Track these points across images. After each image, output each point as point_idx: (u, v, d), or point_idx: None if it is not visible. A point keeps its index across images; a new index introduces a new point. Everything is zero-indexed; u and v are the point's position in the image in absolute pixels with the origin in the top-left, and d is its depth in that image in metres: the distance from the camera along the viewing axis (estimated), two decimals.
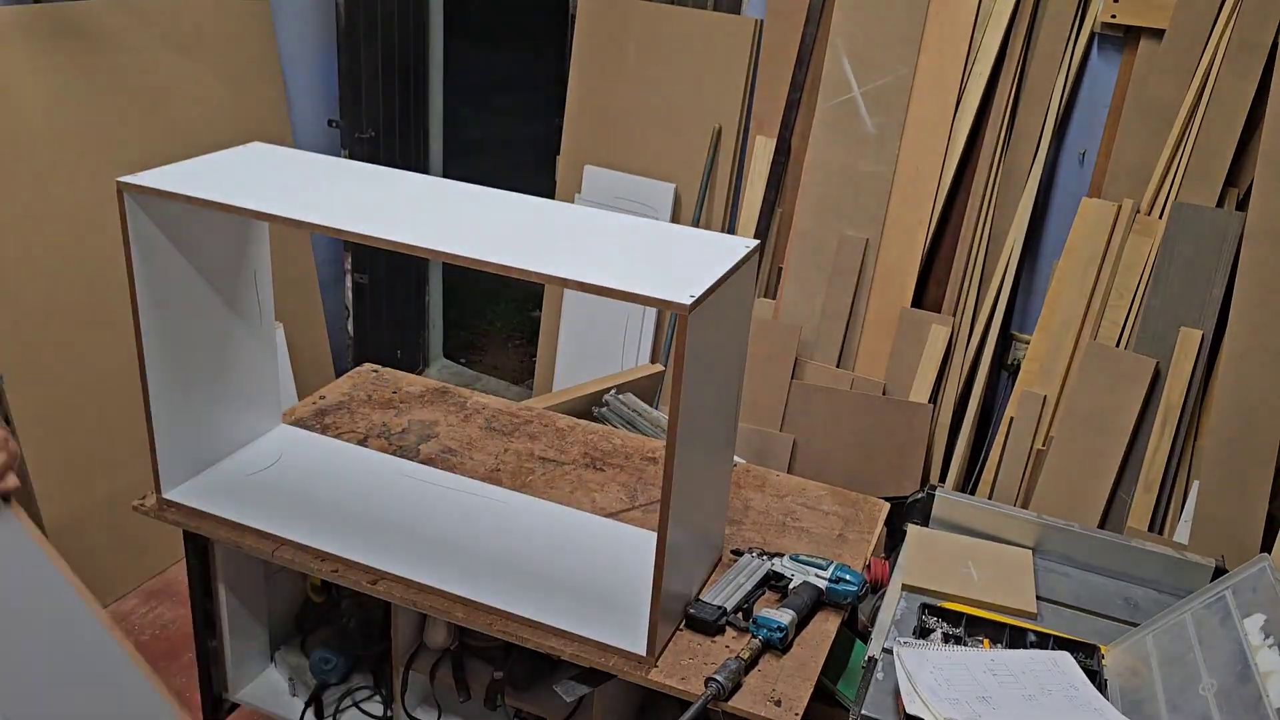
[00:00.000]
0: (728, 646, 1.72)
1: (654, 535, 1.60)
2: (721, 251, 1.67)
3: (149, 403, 1.93)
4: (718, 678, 1.60)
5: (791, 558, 1.86)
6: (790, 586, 1.82)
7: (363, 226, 1.65)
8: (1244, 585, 1.69)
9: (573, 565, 1.68)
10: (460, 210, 1.81)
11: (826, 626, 1.79)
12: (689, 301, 1.45)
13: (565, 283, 1.51)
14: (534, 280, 1.52)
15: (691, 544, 1.75)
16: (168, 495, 2.01)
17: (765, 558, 1.89)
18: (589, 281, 1.50)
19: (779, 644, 1.69)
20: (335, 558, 1.89)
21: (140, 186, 1.77)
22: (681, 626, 1.76)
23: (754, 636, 1.71)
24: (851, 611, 1.92)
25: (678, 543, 1.63)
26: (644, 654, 1.67)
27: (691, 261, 1.61)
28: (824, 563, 1.84)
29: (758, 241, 1.74)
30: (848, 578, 1.81)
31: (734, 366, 1.77)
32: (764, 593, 1.84)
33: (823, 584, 1.81)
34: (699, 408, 1.58)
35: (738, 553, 1.92)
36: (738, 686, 1.62)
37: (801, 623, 1.75)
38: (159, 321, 1.87)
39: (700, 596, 1.79)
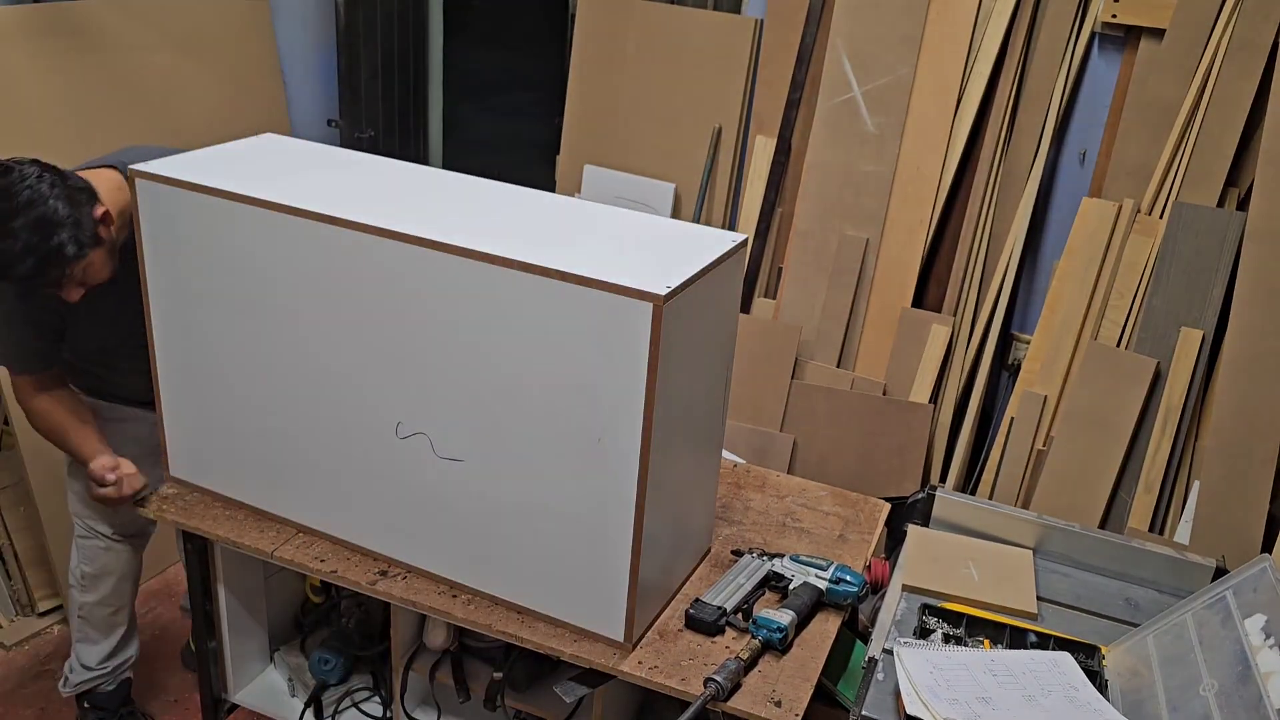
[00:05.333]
0: (727, 647, 1.72)
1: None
2: (705, 244, 1.67)
3: (158, 387, 2.00)
4: (717, 678, 1.60)
5: (792, 558, 1.86)
6: (790, 587, 1.81)
7: (351, 214, 1.67)
8: (1245, 586, 1.69)
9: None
10: (454, 200, 1.82)
11: (826, 627, 1.79)
12: (664, 292, 1.45)
13: (535, 269, 1.51)
14: (503, 266, 1.53)
15: (672, 535, 1.75)
16: (175, 474, 2.08)
17: (765, 558, 1.88)
18: (559, 269, 1.50)
19: (779, 644, 1.69)
20: (328, 537, 1.91)
21: (151, 174, 1.82)
22: (682, 627, 1.76)
23: (754, 637, 1.70)
24: (852, 612, 1.92)
25: (656, 533, 1.64)
26: (621, 639, 1.68)
27: (674, 253, 1.61)
28: (824, 563, 1.84)
29: (744, 236, 1.74)
30: (848, 578, 1.81)
31: (719, 359, 1.77)
32: (764, 593, 1.84)
33: (823, 585, 1.80)
34: (676, 399, 1.59)
35: (738, 553, 1.92)
36: (737, 687, 1.62)
37: (801, 623, 1.75)
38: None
39: (700, 597, 1.79)
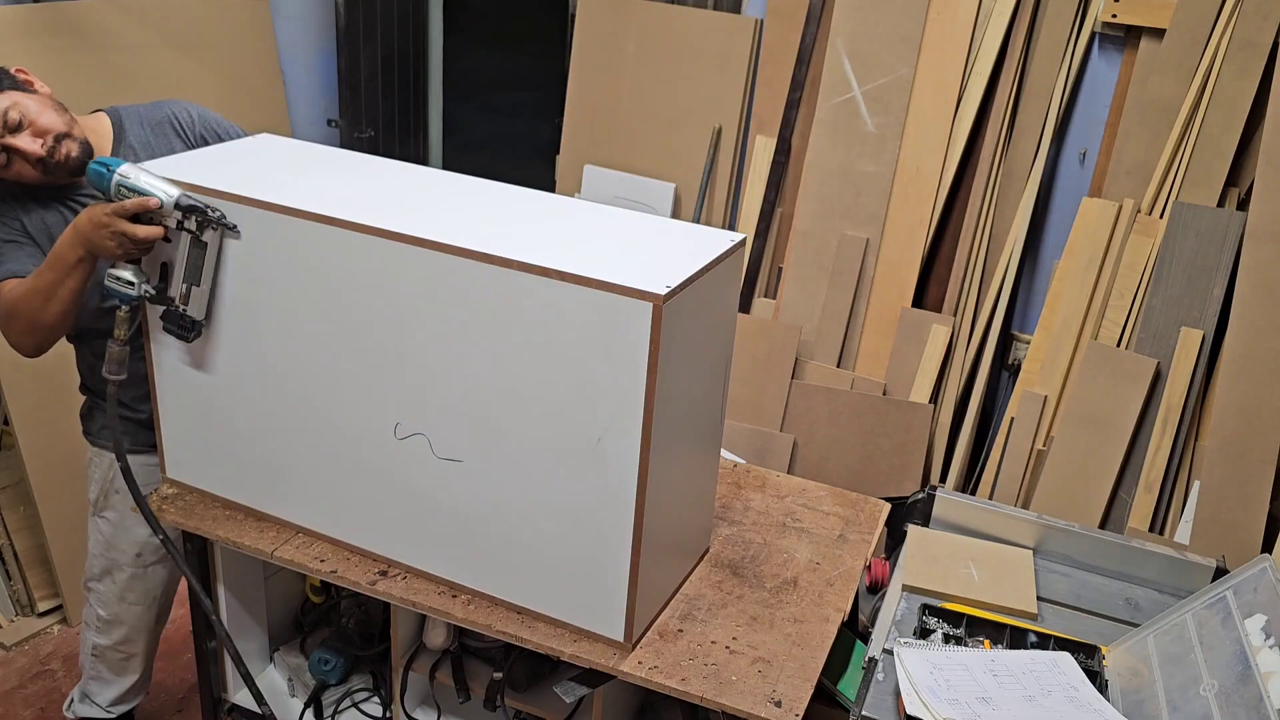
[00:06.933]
0: None
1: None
2: (705, 243, 1.67)
3: (155, 387, 1.99)
4: None
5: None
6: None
7: (349, 214, 1.67)
8: (1245, 586, 1.69)
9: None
10: (453, 200, 1.82)
11: (827, 627, 1.78)
12: (664, 292, 1.44)
13: (535, 269, 1.51)
14: (503, 267, 1.53)
15: (672, 535, 1.76)
16: (172, 475, 2.06)
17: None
18: (559, 269, 1.49)
19: None
20: (328, 538, 1.92)
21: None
22: (682, 628, 1.76)
23: None
24: (852, 612, 1.91)
25: (656, 533, 1.64)
26: (621, 639, 1.69)
27: (674, 253, 1.61)
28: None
29: (743, 235, 1.74)
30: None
31: (718, 358, 1.77)
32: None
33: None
34: (676, 399, 1.59)
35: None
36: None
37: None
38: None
39: None
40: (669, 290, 1.45)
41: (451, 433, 1.70)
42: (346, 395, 1.78)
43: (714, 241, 1.68)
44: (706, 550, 1.96)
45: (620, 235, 1.70)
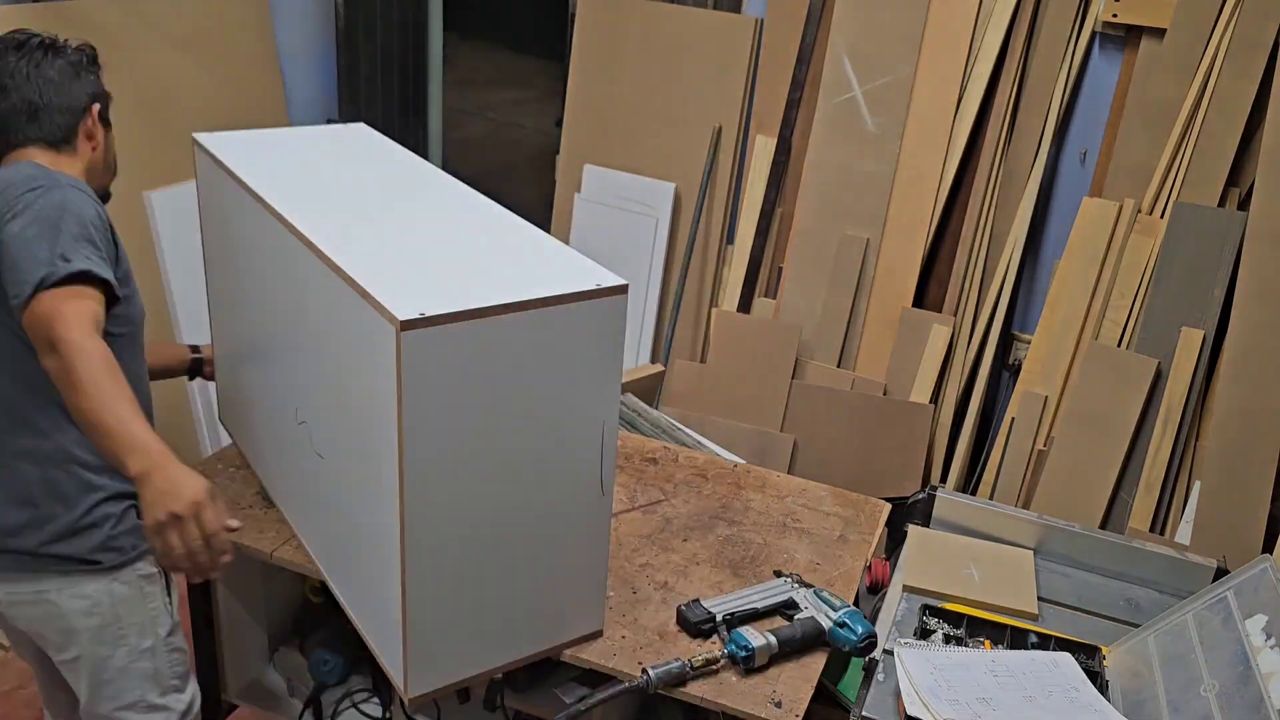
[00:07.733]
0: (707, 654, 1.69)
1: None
2: (562, 278, 1.40)
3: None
4: (650, 671, 1.58)
5: (815, 591, 1.81)
6: (796, 617, 1.77)
7: (277, 201, 1.61)
8: (1246, 586, 1.69)
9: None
10: (391, 200, 1.77)
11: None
12: (409, 317, 1.23)
13: (325, 260, 1.42)
14: (314, 255, 1.45)
15: (473, 612, 1.55)
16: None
17: (796, 585, 1.84)
18: (341, 265, 1.38)
19: (742, 663, 1.65)
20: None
21: (203, 145, 1.82)
22: (673, 624, 1.76)
23: (724, 648, 1.68)
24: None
25: (429, 599, 1.47)
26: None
27: (509, 280, 1.39)
28: (838, 604, 1.75)
29: (621, 281, 1.42)
30: (852, 624, 1.69)
31: (568, 419, 1.47)
32: (775, 616, 1.79)
33: (827, 624, 1.73)
34: (464, 454, 1.38)
35: (779, 574, 1.88)
36: (678, 683, 1.60)
37: (788, 653, 1.68)
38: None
39: (702, 600, 1.77)
40: (421, 317, 1.23)
41: (320, 427, 1.64)
42: (264, 394, 1.76)
43: (574, 279, 1.40)
44: (599, 633, 1.73)
45: (495, 254, 1.51)
